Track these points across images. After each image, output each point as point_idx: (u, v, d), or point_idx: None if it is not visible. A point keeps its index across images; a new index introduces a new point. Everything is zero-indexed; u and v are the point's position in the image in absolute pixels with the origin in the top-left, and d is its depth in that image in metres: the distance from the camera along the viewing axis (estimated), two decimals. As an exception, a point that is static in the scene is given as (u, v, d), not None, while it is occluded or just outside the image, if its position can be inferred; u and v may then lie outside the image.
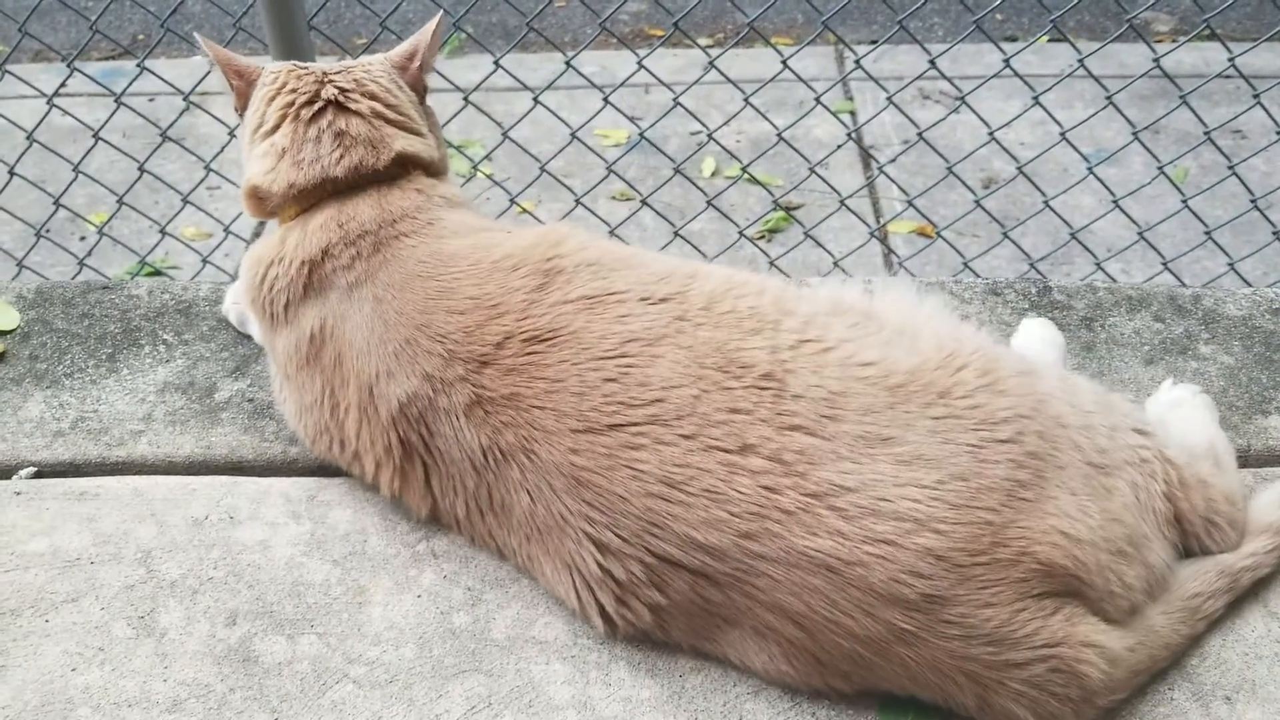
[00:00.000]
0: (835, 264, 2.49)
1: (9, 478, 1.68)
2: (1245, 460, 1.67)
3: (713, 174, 3.22)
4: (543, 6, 2.39)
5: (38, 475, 1.68)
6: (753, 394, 1.32)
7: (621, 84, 2.37)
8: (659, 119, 2.65)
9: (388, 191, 1.57)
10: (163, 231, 2.43)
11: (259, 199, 1.60)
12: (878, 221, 2.99)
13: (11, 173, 2.23)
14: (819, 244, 2.51)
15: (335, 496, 1.63)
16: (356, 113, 1.58)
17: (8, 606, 1.50)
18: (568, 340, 1.39)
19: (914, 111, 3.42)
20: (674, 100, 2.23)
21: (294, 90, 1.59)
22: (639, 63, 2.22)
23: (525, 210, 2.81)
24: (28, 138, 2.17)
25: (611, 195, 3.08)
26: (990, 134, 2.25)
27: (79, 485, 1.66)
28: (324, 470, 1.66)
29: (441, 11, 1.66)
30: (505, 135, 2.32)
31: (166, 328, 1.91)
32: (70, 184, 2.32)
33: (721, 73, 2.27)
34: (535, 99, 2.24)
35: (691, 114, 2.40)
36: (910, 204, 2.39)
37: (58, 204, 2.31)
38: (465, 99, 2.22)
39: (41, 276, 2.43)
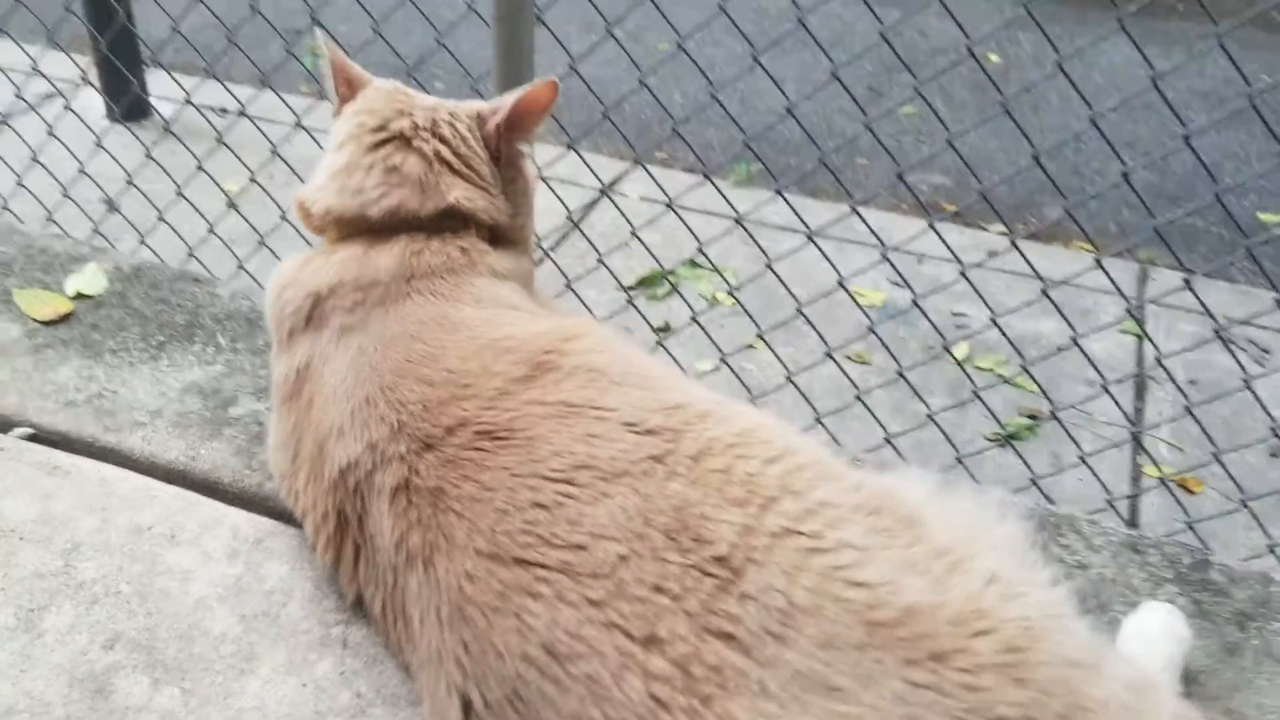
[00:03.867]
0: (1032, 483, 2.13)
1: (6, 431, 1.62)
2: None
3: (964, 360, 2.92)
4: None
5: (33, 438, 1.62)
6: (691, 575, 1.04)
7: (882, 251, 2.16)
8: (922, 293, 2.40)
9: (423, 244, 1.41)
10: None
11: (305, 213, 1.49)
12: (1134, 460, 2.57)
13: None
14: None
15: (282, 547, 1.46)
16: (418, 151, 1.45)
17: (-79, 557, 1.42)
18: (521, 445, 1.17)
19: (1209, 353, 2.98)
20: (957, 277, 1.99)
21: (372, 112, 1.49)
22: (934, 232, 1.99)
23: (752, 346, 2.64)
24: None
25: (848, 355, 2.85)
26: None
27: (57, 459, 1.57)
28: (290, 516, 1.50)
29: (553, 79, 1.50)
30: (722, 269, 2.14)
31: (227, 332, 1.83)
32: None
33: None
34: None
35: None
36: (1159, 473, 2.00)
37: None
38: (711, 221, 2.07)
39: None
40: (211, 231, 2.50)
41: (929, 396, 2.50)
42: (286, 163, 2.35)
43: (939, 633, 1.01)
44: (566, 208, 2.42)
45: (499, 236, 1.51)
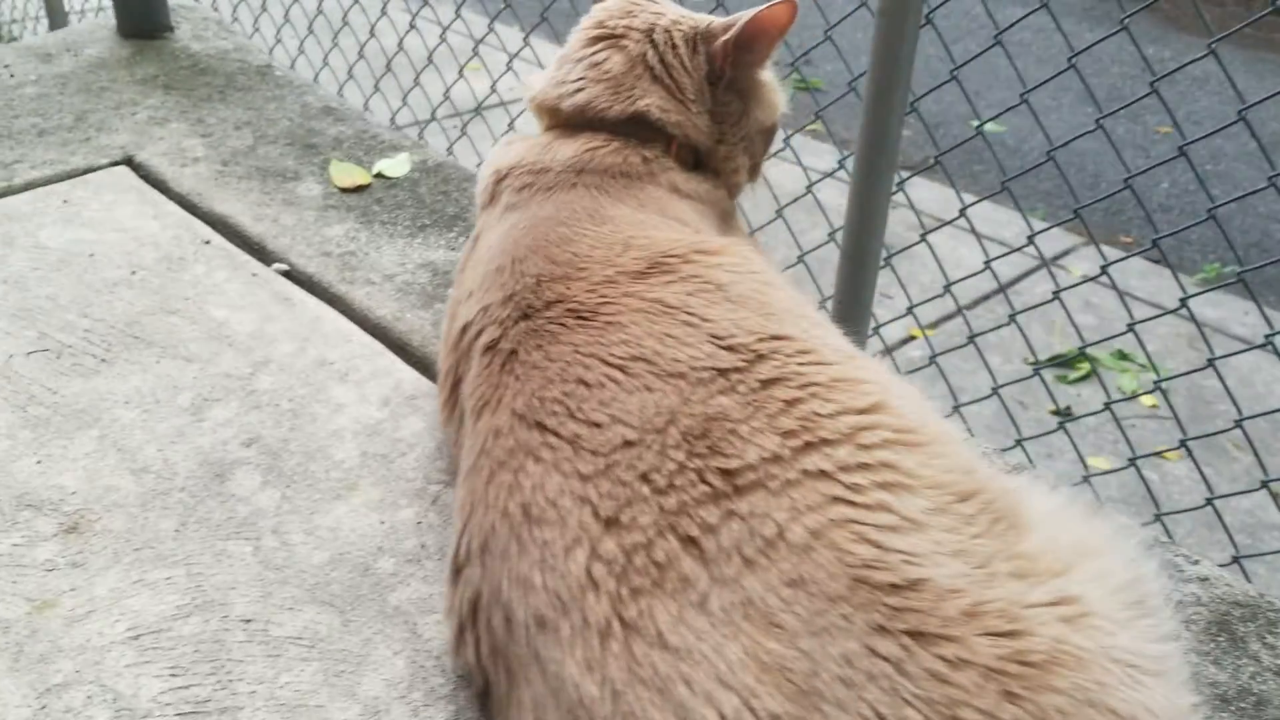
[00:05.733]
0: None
1: (268, 264, 1.81)
2: None
3: None
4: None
5: (285, 274, 1.79)
6: (686, 475, 0.93)
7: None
8: None
9: (605, 142, 1.38)
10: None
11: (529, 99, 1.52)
12: None
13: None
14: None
15: (429, 408, 1.50)
16: (624, 51, 1.42)
17: (151, 338, 1.60)
18: (598, 328, 1.11)
19: None
20: None
21: (606, 9, 1.49)
22: None
23: (1163, 454, 2.42)
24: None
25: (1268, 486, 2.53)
26: None
27: (291, 292, 1.73)
28: (452, 386, 1.53)
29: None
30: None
31: (484, 229, 1.92)
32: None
33: None
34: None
35: None
36: None
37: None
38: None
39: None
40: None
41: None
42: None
43: (935, 614, 0.83)
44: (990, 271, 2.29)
45: (700, 161, 1.46)
